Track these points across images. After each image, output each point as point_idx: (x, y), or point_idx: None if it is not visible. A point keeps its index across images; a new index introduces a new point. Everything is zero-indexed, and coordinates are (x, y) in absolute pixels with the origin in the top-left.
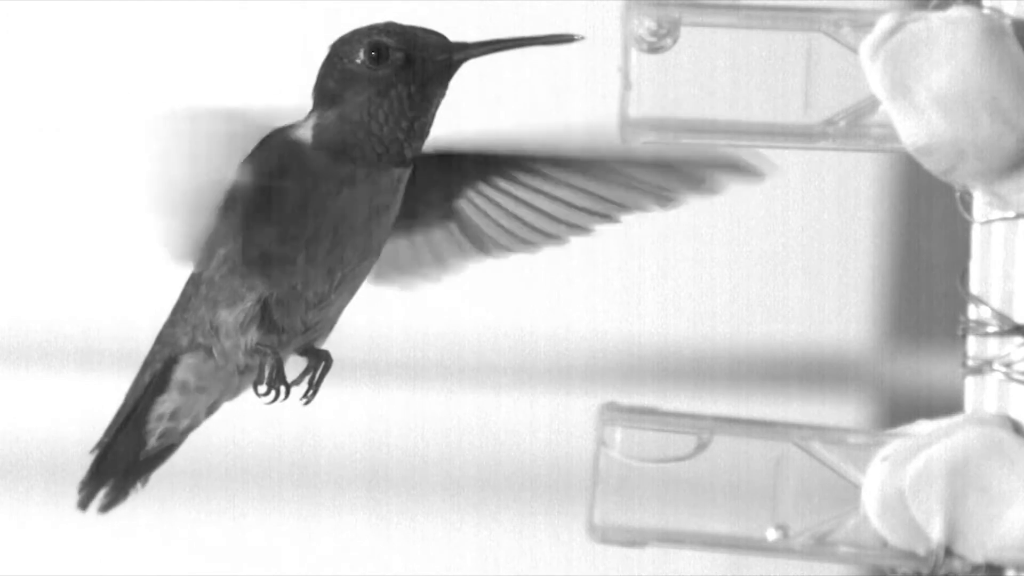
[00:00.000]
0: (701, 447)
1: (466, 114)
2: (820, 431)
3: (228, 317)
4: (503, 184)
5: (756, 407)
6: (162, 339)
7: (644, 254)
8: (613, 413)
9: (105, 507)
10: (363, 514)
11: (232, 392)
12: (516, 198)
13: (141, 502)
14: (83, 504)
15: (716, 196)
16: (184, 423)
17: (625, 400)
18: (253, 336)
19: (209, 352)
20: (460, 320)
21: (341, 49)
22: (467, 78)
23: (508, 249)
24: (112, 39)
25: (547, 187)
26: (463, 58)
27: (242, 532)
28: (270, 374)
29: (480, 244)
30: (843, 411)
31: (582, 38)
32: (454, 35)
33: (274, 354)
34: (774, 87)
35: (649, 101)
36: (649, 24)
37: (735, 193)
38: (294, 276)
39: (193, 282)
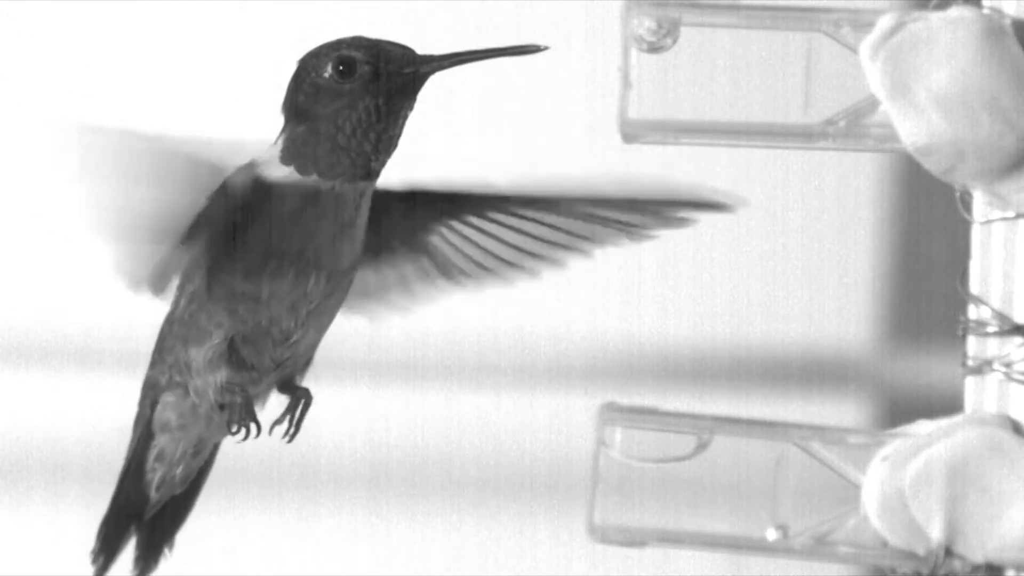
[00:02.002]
0: (701, 447)
1: (466, 114)
2: (820, 431)
3: (197, 355)
4: (474, 220)
5: (756, 407)
6: (146, 384)
7: (644, 254)
8: (613, 413)
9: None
10: (363, 514)
11: (217, 431)
12: (487, 233)
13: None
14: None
15: (686, 229)
16: (177, 469)
17: (625, 400)
18: (222, 374)
19: (186, 390)
20: (460, 320)
21: (309, 64)
22: (467, 78)
23: (479, 282)
24: (112, 39)
25: (517, 223)
26: (430, 71)
27: (242, 532)
28: (239, 412)
29: (451, 277)
30: (843, 411)
31: (547, 48)
32: (454, 36)
33: (243, 393)
34: (774, 87)
35: (649, 101)
36: (649, 24)
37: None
38: (258, 313)
39: (167, 321)
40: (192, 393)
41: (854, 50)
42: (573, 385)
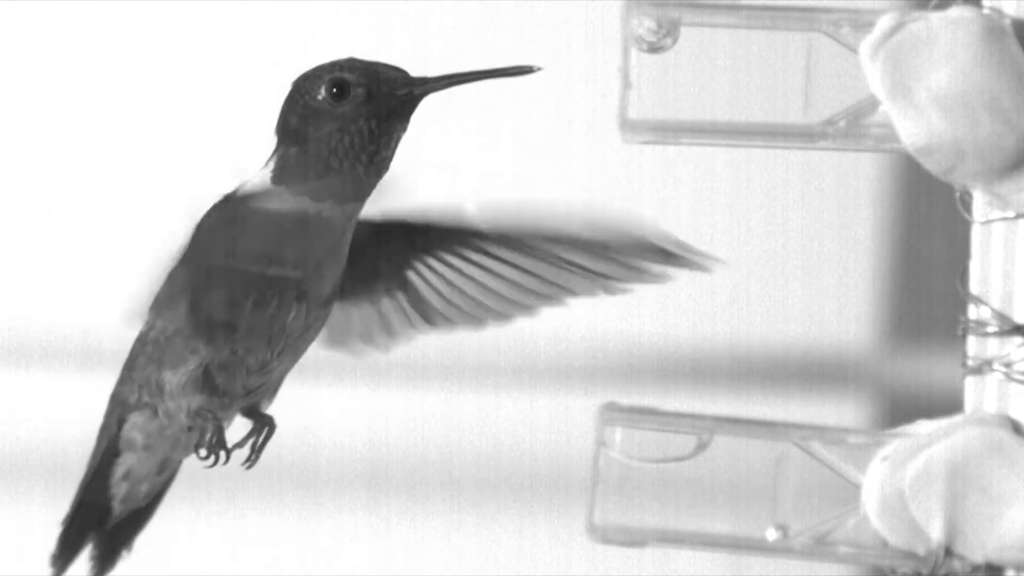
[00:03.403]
0: (701, 447)
1: (466, 114)
2: (820, 431)
3: (171, 378)
4: (446, 256)
5: (756, 407)
6: (113, 399)
7: None
8: (613, 413)
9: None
10: (363, 514)
11: (183, 450)
12: (462, 273)
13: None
14: None
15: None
16: (142, 486)
17: (625, 400)
18: (195, 399)
19: (155, 411)
20: None
21: (303, 86)
22: None
23: (453, 323)
24: (112, 39)
25: (490, 264)
26: (424, 92)
27: (242, 532)
28: (210, 439)
29: (425, 315)
30: (843, 411)
31: (540, 69)
32: (454, 36)
33: (215, 419)
34: (774, 87)
35: (649, 101)
36: (649, 24)
37: (735, 193)
38: (236, 343)
39: (140, 341)
40: (162, 415)
41: (854, 50)
42: (573, 385)
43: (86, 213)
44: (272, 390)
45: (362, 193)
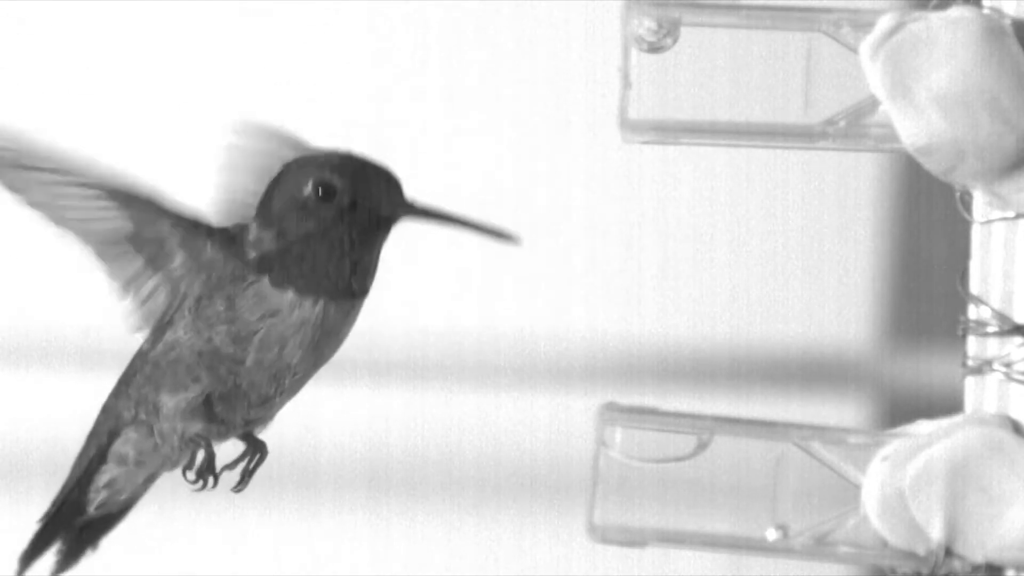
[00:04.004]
0: (701, 447)
1: (466, 114)
2: (820, 431)
3: (170, 402)
4: None
5: (756, 407)
6: (107, 410)
7: (644, 254)
8: (613, 413)
9: (60, 568)
10: (363, 514)
11: (171, 465)
12: None
13: (141, 502)
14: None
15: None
16: (123, 496)
17: (625, 400)
18: (192, 425)
19: (150, 430)
20: (460, 320)
21: (292, 175)
22: (467, 77)
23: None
24: (112, 39)
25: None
26: (407, 216)
27: (242, 532)
28: (201, 465)
29: None
30: (843, 411)
31: (520, 240)
32: (454, 36)
33: (208, 447)
34: (774, 87)
35: (649, 101)
36: (649, 24)
37: (735, 193)
38: (240, 376)
39: (141, 358)
40: (156, 434)
41: (854, 50)
42: (573, 385)
43: None
44: (269, 419)
45: (352, 293)
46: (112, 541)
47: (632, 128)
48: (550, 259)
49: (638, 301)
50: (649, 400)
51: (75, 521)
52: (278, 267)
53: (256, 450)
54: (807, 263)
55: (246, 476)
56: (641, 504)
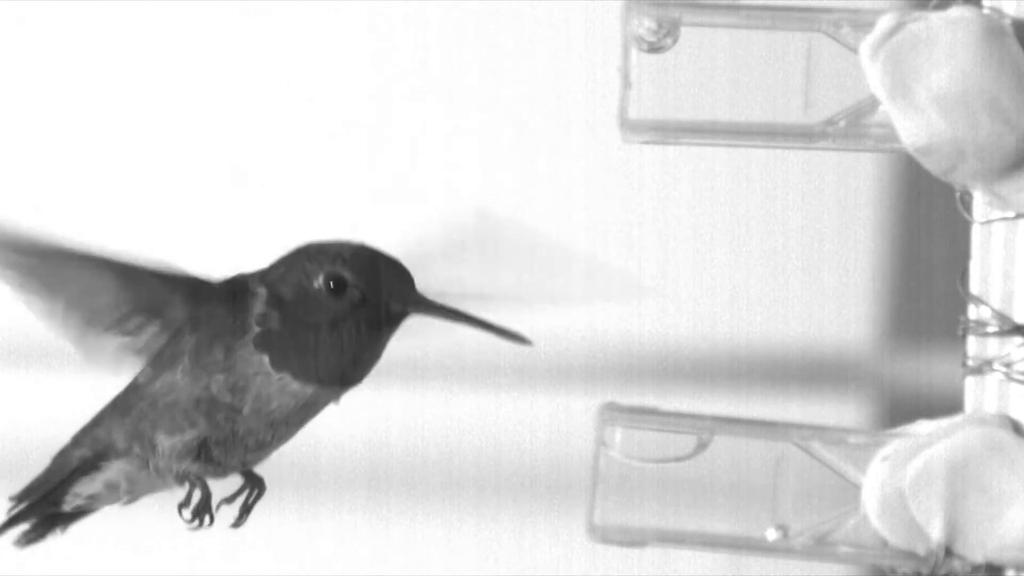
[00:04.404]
0: (701, 447)
1: (466, 114)
2: (820, 431)
3: (166, 442)
4: None
5: (756, 407)
6: (99, 424)
7: (644, 254)
8: (613, 413)
9: (23, 544)
10: (363, 514)
11: (158, 491)
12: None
13: (141, 502)
14: None
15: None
16: (100, 506)
17: (625, 400)
18: (188, 466)
19: (145, 464)
20: None
21: (303, 264)
22: (467, 77)
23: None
24: (112, 39)
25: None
26: (418, 313)
27: (242, 532)
28: (198, 504)
29: None
30: (843, 411)
31: (531, 343)
32: (454, 36)
33: (204, 487)
34: (774, 87)
35: (649, 101)
36: (649, 24)
37: (735, 193)
38: (237, 423)
39: (137, 393)
40: (152, 468)
41: (854, 50)
42: (573, 385)
43: (85, 213)
44: (266, 457)
45: (347, 384)
46: (113, 541)
47: (632, 128)
48: (550, 259)
49: (638, 301)
50: (649, 400)
51: (47, 512)
52: (279, 351)
53: (254, 485)
54: (807, 263)
55: (244, 512)
56: (641, 504)
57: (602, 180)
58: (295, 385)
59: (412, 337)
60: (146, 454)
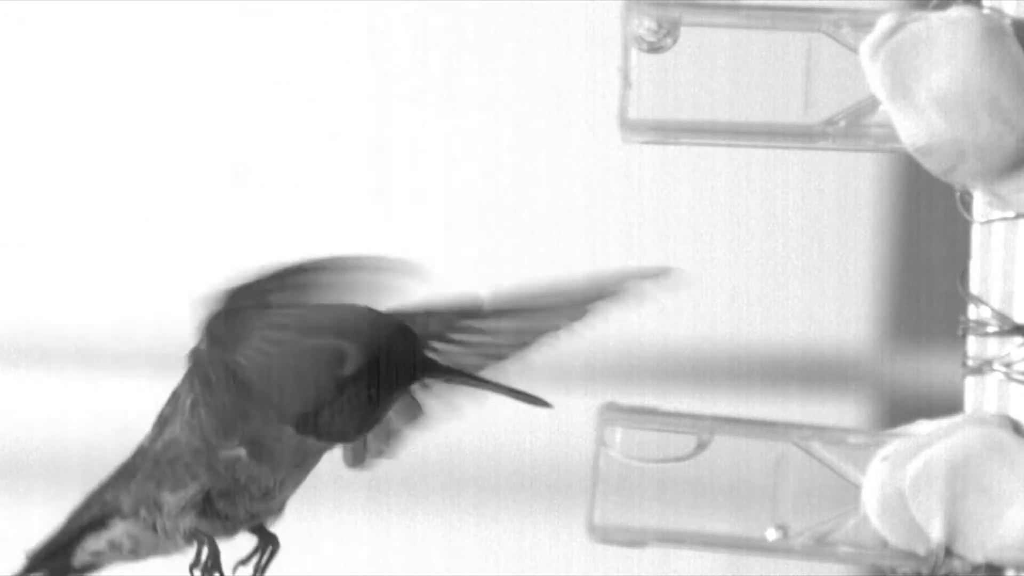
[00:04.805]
0: (701, 447)
1: (466, 114)
2: (820, 431)
3: (170, 499)
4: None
5: (756, 407)
6: (108, 489)
7: (644, 254)
8: (613, 413)
9: None
10: (363, 514)
11: (164, 555)
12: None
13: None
14: None
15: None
16: (107, 564)
17: (625, 400)
18: (193, 521)
19: (152, 526)
20: None
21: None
22: (467, 76)
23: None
24: (112, 39)
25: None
26: (427, 378)
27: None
28: (206, 561)
29: (420, 412)
30: (843, 411)
31: (551, 407)
32: (454, 36)
33: (211, 543)
34: (774, 87)
35: (649, 101)
36: (649, 24)
37: (735, 193)
38: (238, 472)
39: (141, 453)
40: (159, 530)
41: (854, 50)
42: (573, 385)
43: (86, 213)
44: (278, 511)
45: (347, 440)
46: None
47: (632, 128)
48: (550, 259)
49: (638, 301)
50: (649, 400)
51: (59, 568)
52: (279, 407)
53: (268, 543)
54: (807, 263)
55: (259, 571)
56: (641, 504)
57: (602, 180)
58: (291, 434)
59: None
60: (152, 515)
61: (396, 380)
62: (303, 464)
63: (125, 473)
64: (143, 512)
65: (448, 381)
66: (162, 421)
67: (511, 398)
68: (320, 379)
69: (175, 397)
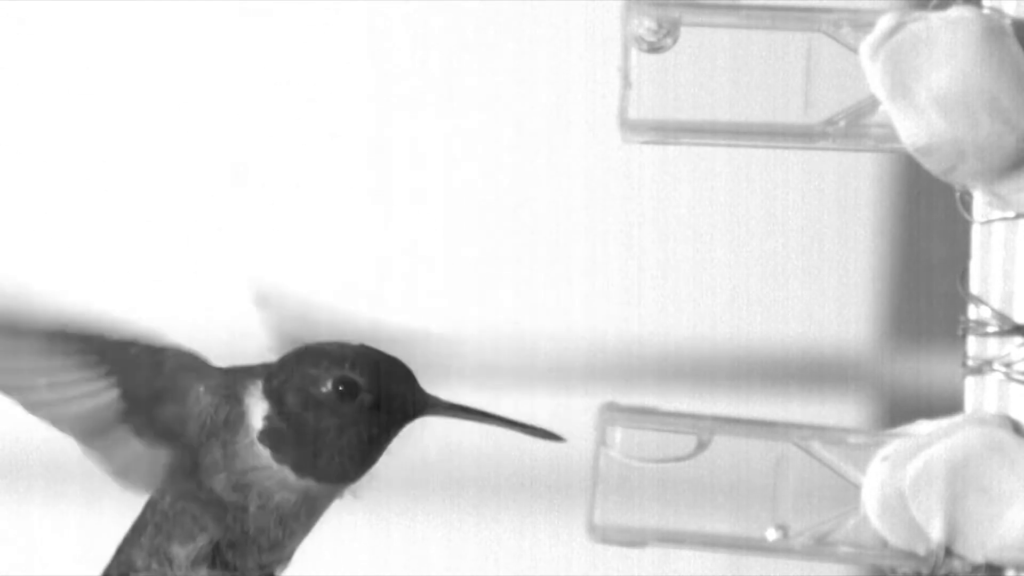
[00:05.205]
0: (701, 447)
1: (466, 114)
2: (820, 431)
3: (180, 552)
4: None
5: (756, 407)
6: (120, 557)
7: (644, 254)
8: (613, 413)
9: None
10: (363, 514)
11: None
12: None
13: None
14: None
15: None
16: None
17: (625, 400)
18: (203, 573)
19: None
20: (460, 320)
21: (307, 372)
22: (467, 77)
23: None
24: (112, 39)
25: None
26: (430, 414)
27: None
28: None
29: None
30: (843, 411)
31: (563, 440)
32: (454, 35)
33: None
34: (774, 87)
35: (649, 101)
36: (649, 24)
37: (735, 193)
38: (246, 522)
39: (151, 506)
40: None
41: (854, 50)
42: (573, 385)
43: (85, 213)
44: (287, 560)
45: (349, 481)
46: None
47: (632, 128)
48: (550, 259)
49: (638, 301)
50: (649, 400)
51: None
52: (283, 447)
53: None
54: (807, 263)
55: None
56: (641, 504)
57: (602, 180)
58: (293, 478)
59: (413, 337)
60: (164, 568)
61: (399, 416)
62: (312, 511)
63: (136, 530)
64: (155, 565)
65: (452, 417)
66: (170, 473)
67: (519, 432)
68: (330, 413)
69: (182, 448)
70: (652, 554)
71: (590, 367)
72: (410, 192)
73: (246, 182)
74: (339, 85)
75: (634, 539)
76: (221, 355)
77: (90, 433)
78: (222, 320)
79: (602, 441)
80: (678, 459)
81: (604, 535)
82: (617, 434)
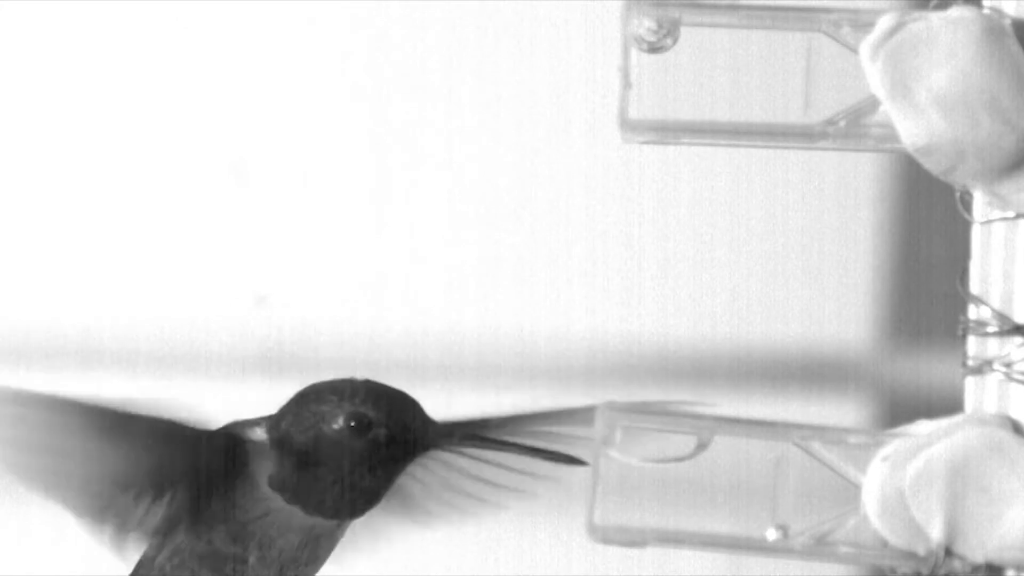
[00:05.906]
0: (701, 447)
1: (466, 114)
2: (820, 431)
3: None
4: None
5: (756, 407)
6: None
7: (644, 254)
8: (613, 413)
9: None
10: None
11: None
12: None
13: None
14: None
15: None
16: None
17: (625, 400)
18: None
19: None
20: (460, 320)
21: (316, 410)
22: (467, 77)
23: (440, 518)
24: (112, 39)
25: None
26: (442, 447)
27: None
28: None
29: (413, 514)
30: (843, 411)
31: (585, 464)
32: (453, 35)
33: None
34: (774, 87)
35: (649, 101)
36: (649, 24)
37: (735, 192)
38: (246, 574)
39: (147, 565)
40: None
41: (854, 50)
42: (573, 385)
43: (85, 212)
44: None
45: (356, 515)
46: None
47: (632, 128)
48: (550, 259)
49: (638, 301)
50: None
51: None
52: (294, 488)
53: None
54: (807, 263)
55: None
56: (641, 504)
57: (602, 180)
58: (299, 517)
59: (412, 337)
60: None
61: (411, 448)
62: (314, 556)
63: None
64: None
65: (466, 447)
66: (162, 529)
67: (539, 459)
68: (342, 450)
69: (172, 502)
70: (652, 554)
71: (590, 367)
72: (410, 192)
73: (246, 181)
74: (339, 85)
75: (634, 539)
76: (221, 355)
77: (86, 508)
78: (222, 320)
79: (602, 441)
80: (678, 459)
81: (604, 535)
82: (617, 434)
